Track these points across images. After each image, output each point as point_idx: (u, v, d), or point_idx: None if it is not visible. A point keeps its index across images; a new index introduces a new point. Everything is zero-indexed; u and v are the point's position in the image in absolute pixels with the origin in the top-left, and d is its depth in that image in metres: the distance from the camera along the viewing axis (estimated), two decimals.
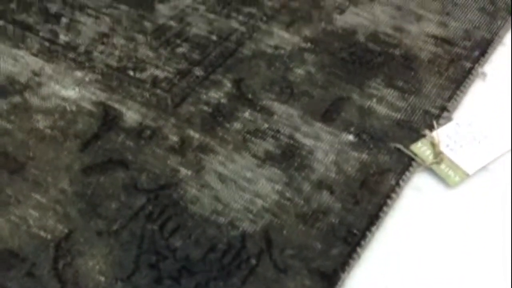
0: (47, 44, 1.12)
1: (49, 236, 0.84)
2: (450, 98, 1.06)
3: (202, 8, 1.23)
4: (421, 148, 0.96)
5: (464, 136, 0.99)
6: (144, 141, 0.97)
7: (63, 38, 1.14)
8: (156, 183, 0.92)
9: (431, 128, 1.00)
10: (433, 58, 1.14)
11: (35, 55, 1.10)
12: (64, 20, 1.18)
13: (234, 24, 1.20)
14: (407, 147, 0.97)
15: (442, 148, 0.96)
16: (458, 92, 1.07)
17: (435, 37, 1.19)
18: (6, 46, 1.11)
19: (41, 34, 1.14)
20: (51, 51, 1.11)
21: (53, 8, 1.20)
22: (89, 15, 1.19)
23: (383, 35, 1.19)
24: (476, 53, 1.15)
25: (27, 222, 0.86)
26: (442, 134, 0.98)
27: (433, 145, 0.96)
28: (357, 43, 1.17)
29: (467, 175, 0.94)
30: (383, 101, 1.06)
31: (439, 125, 1.01)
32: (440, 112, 1.04)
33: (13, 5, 1.20)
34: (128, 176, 0.92)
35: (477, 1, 1.27)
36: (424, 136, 0.99)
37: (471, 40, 1.18)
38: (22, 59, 1.09)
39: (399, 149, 0.97)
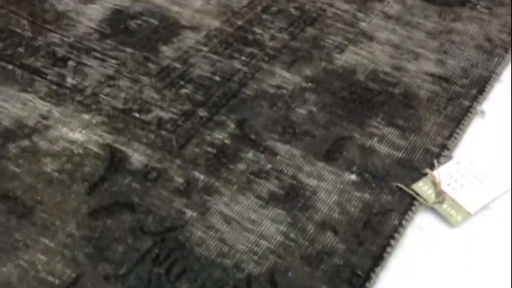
0: (54, 87, 1.14)
1: (57, 281, 0.84)
2: (450, 137, 1.07)
3: (205, 49, 1.25)
4: (422, 187, 0.97)
5: (465, 175, 0.99)
6: (150, 183, 0.98)
7: (70, 81, 1.15)
8: (162, 225, 0.92)
9: (432, 167, 1.01)
10: (432, 96, 1.15)
11: (43, 98, 1.11)
12: (71, 63, 1.19)
13: (237, 64, 1.22)
14: (408, 186, 0.98)
15: (444, 187, 0.97)
16: (457, 130, 1.08)
17: (433, 75, 1.20)
18: (14, 91, 1.12)
19: (49, 77, 1.16)
20: (58, 94, 1.12)
21: (61, 51, 1.22)
22: (95, 58, 1.21)
23: (383, 74, 1.20)
24: (474, 91, 1.16)
25: (36, 267, 0.86)
26: (443, 173, 0.99)
27: (435, 184, 0.97)
28: (357, 82, 1.18)
29: (469, 214, 0.94)
30: (384, 140, 1.06)
31: (440, 163, 1.01)
32: (441, 151, 1.04)
33: (21, 49, 1.22)
34: (135, 219, 0.93)
35: (474, 39, 1.29)
36: (425, 175, 0.99)
37: (469, 78, 1.19)
38: (31, 102, 1.11)
39: (401, 189, 0.98)
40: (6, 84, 1.14)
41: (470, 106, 1.13)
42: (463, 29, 1.32)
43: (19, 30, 1.26)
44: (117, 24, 1.30)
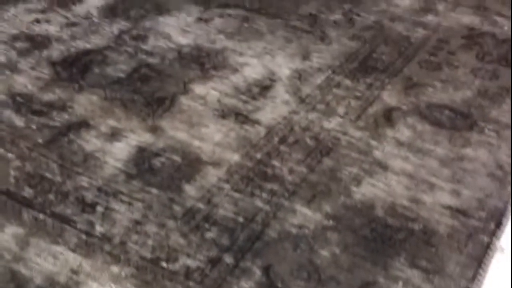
0: (84, 237, 1.11)
1: None
2: (473, 278, 1.02)
3: (227, 187, 1.23)
4: None
5: None
6: None
7: (99, 229, 1.13)
8: None
9: None
10: (452, 232, 1.11)
11: (73, 250, 1.08)
12: (99, 208, 1.17)
13: (258, 203, 1.19)
14: None
15: None
16: (480, 270, 1.03)
17: (450, 208, 1.17)
18: (46, 243, 1.09)
19: (78, 226, 1.13)
20: (88, 245, 1.09)
21: (89, 196, 1.20)
22: (122, 201, 1.19)
23: (401, 208, 1.17)
24: (492, 225, 1.12)
25: None
26: None
27: None
28: (377, 218, 1.15)
29: None
30: (409, 284, 1.02)
31: None
32: None
33: (51, 196, 1.20)
34: None
35: (485, 166, 1.26)
36: None
37: (485, 210, 1.16)
38: (61, 255, 1.07)
39: None
40: (38, 235, 1.11)
41: (490, 243, 1.09)
42: (474, 156, 1.29)
43: (49, 175, 1.24)
44: (141, 163, 1.28)
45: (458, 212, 1.16)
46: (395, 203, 1.18)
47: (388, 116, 1.42)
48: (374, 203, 1.18)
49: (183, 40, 1.70)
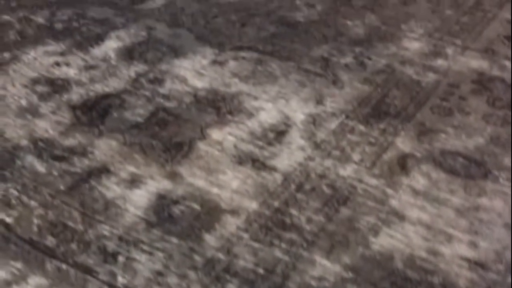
0: None
1: None
2: None
3: (246, 236, 1.22)
4: None
5: None
6: None
7: (121, 280, 1.12)
8: None
9: None
10: (471, 286, 1.10)
11: None
12: (121, 259, 1.17)
13: (278, 253, 1.19)
14: None
15: None
16: None
17: (468, 260, 1.16)
18: None
19: (100, 277, 1.13)
20: None
21: (110, 245, 1.19)
22: (143, 251, 1.18)
23: (419, 260, 1.16)
24: (509, 278, 1.12)
25: None
26: None
27: None
28: (396, 271, 1.14)
29: None
30: None
31: None
32: None
33: (73, 246, 1.20)
34: None
35: (501, 216, 1.26)
36: None
37: (502, 262, 1.15)
38: None
39: None
40: (61, 286, 1.10)
41: None
42: (489, 206, 1.29)
43: (71, 223, 1.24)
44: (161, 211, 1.28)
45: (476, 264, 1.15)
46: (413, 254, 1.17)
47: (403, 164, 1.42)
48: (392, 255, 1.17)
49: (199, 83, 1.72)
